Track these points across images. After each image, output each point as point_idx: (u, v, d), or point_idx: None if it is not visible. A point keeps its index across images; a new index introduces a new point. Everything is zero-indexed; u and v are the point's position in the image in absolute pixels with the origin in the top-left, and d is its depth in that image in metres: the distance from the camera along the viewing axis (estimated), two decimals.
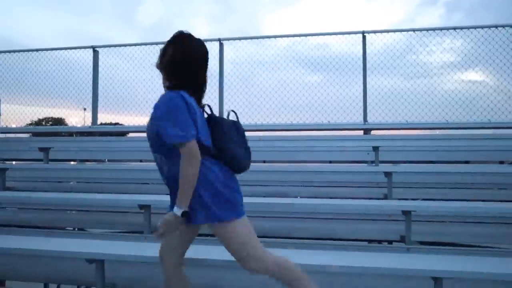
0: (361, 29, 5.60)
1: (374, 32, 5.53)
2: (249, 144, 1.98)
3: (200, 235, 2.13)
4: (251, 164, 1.95)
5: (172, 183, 1.85)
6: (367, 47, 5.50)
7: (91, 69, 6.46)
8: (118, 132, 6.86)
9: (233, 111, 1.99)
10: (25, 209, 4.09)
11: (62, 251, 2.28)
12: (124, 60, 6.50)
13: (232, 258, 1.86)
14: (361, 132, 5.47)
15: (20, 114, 7.11)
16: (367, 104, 5.46)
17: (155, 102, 1.84)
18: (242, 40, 5.77)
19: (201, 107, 1.90)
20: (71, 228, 4.12)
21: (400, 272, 2.00)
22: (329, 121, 5.57)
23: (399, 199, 3.71)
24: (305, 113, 5.90)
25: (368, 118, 5.45)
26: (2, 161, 4.93)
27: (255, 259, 1.84)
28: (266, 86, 5.97)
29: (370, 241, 3.63)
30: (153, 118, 1.81)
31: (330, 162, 5.23)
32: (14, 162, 5.42)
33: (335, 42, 5.79)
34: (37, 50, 7.05)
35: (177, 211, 1.74)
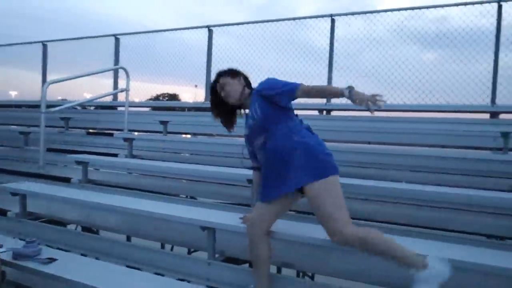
0: None
1: None
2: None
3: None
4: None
5: (278, 155, 2.13)
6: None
7: (202, 48, 6.84)
8: None
9: None
10: (147, 175, 4.55)
11: (180, 216, 2.47)
12: (235, 39, 6.74)
13: None
14: (487, 116, 4.86)
15: (141, 90, 7.95)
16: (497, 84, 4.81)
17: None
18: (354, 16, 5.50)
19: None
20: (184, 196, 4.45)
21: None
22: (448, 102, 5.04)
23: None
24: (420, 93, 5.45)
25: (497, 100, 4.81)
26: (130, 132, 5.52)
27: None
28: (377, 64, 5.63)
29: (489, 236, 3.22)
30: (269, 89, 2.18)
31: (443, 146, 4.75)
32: (136, 133, 6.02)
33: (457, 15, 5.15)
34: (157, 31, 7.69)
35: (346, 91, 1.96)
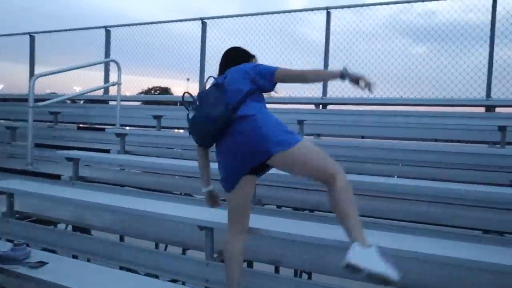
0: None
1: None
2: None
3: None
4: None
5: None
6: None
7: (195, 41, 6.72)
8: None
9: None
10: (141, 172, 4.46)
11: (178, 216, 2.40)
12: (228, 32, 6.64)
13: None
14: (483, 109, 4.86)
15: (132, 83, 7.81)
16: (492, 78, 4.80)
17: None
18: (346, 9, 5.51)
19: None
20: (178, 193, 4.36)
21: None
22: (444, 96, 5.02)
23: None
24: (409, 87, 5.44)
25: (492, 94, 4.80)
26: (122, 127, 5.40)
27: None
28: (367, 58, 5.61)
29: (486, 231, 3.20)
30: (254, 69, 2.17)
31: (436, 140, 4.73)
32: (127, 128, 5.90)
33: (445, 9, 5.15)
34: (149, 23, 7.53)
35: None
